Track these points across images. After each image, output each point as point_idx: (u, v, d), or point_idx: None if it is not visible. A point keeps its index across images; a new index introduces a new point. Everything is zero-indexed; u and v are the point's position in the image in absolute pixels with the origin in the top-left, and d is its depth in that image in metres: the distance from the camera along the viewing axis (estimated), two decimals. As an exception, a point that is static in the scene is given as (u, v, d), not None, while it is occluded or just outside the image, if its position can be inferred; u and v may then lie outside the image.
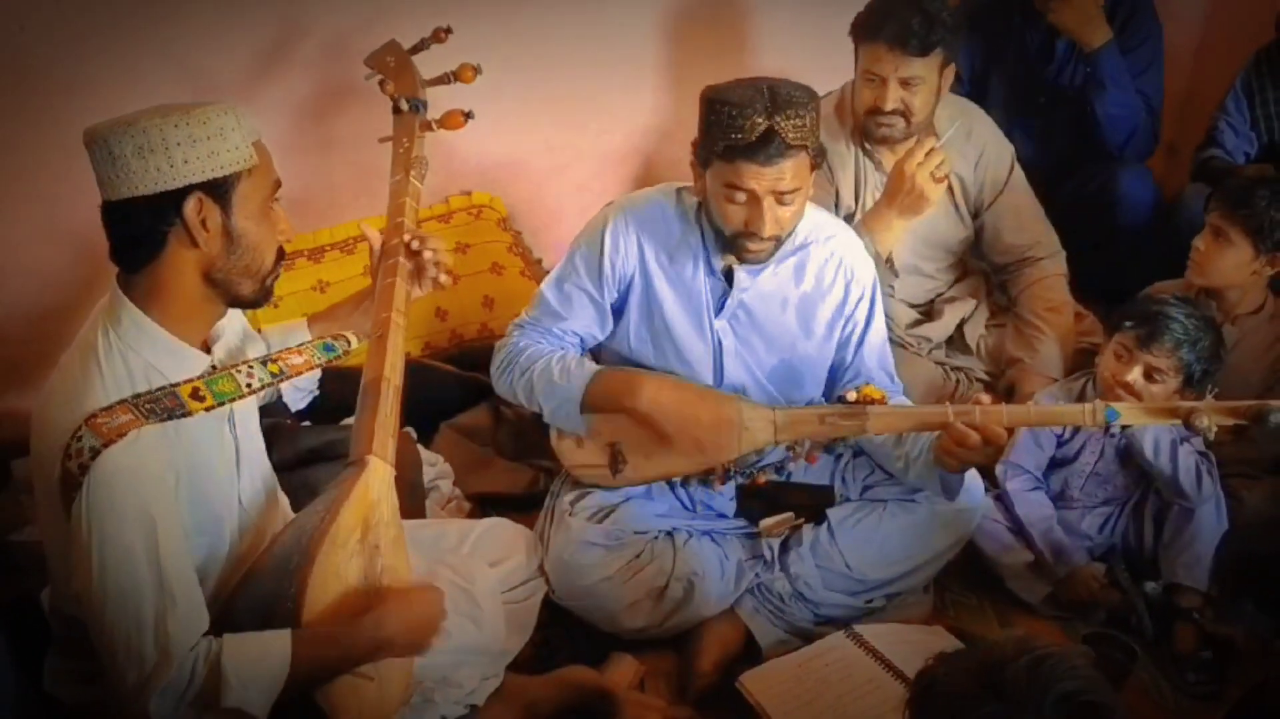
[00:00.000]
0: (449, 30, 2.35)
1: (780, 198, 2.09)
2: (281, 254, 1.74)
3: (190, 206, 1.59)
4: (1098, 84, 3.15)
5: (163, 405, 1.61)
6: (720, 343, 2.31)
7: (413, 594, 1.80)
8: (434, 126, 2.26)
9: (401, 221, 2.04)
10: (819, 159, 2.15)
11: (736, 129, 2.02)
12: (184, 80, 2.66)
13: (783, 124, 2.02)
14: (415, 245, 2.01)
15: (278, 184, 1.72)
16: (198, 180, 1.58)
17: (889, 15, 2.58)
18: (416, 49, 2.35)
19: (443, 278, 2.05)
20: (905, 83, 2.62)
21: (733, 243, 2.18)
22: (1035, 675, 1.29)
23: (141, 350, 1.63)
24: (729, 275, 2.28)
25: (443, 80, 2.31)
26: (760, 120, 2.01)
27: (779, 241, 2.18)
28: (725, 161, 2.07)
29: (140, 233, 1.61)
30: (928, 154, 2.51)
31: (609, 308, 2.32)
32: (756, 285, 2.29)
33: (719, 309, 2.29)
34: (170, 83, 2.63)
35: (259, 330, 2.00)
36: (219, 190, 1.61)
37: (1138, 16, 3.25)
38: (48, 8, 2.48)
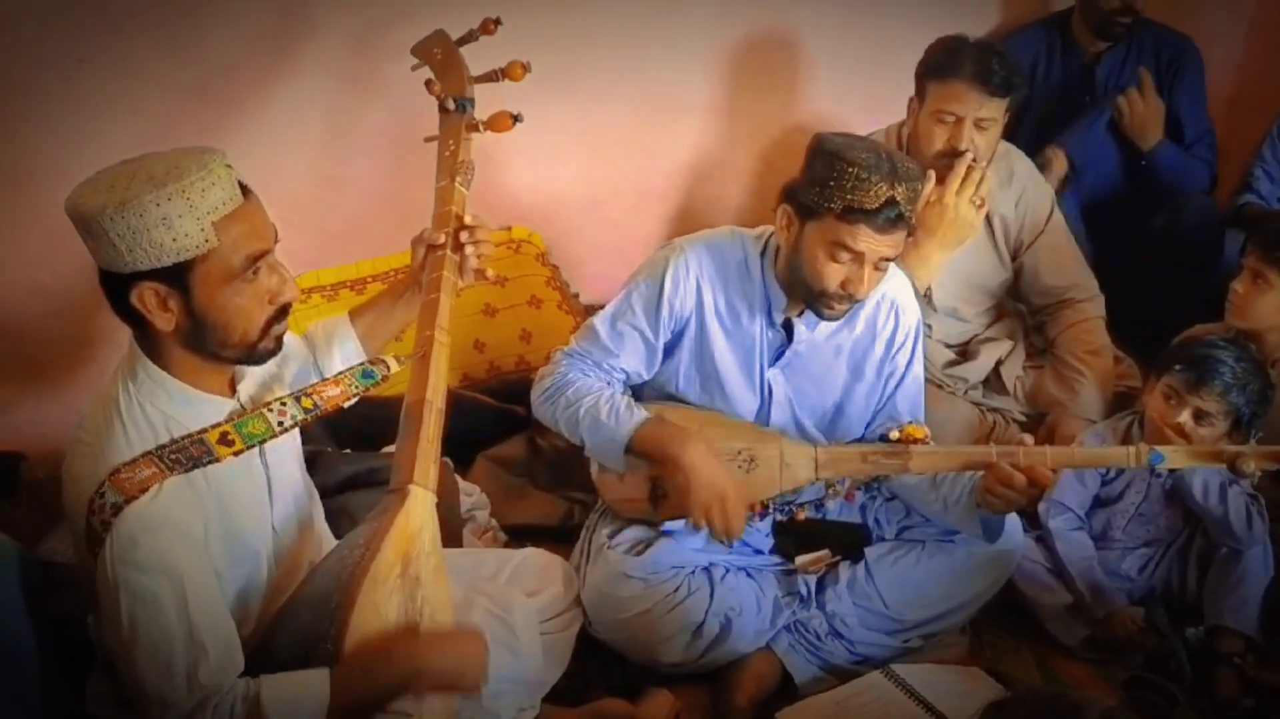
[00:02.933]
0: (498, 22, 2.24)
1: (879, 264, 2.10)
2: (280, 313, 1.67)
3: (137, 296, 1.56)
4: (1155, 171, 3.25)
5: (189, 455, 1.60)
6: (770, 391, 2.31)
7: (453, 633, 1.79)
8: (481, 128, 2.17)
9: (446, 231, 2.02)
10: (912, 231, 2.17)
11: (861, 191, 2.02)
12: (213, 103, 2.69)
13: (902, 194, 2.03)
14: (464, 237, 2.00)
15: (258, 254, 1.61)
16: (143, 269, 1.53)
17: (966, 55, 2.60)
18: (464, 40, 2.28)
19: (489, 273, 2.04)
20: (979, 123, 2.63)
21: (816, 298, 2.16)
22: None
23: (159, 403, 1.63)
24: (788, 327, 2.28)
25: (490, 77, 2.22)
26: (884, 188, 2.02)
27: (857, 302, 2.19)
28: (843, 222, 2.06)
29: (114, 302, 1.60)
30: (965, 179, 2.52)
31: (660, 348, 2.31)
32: (811, 336, 2.29)
33: (774, 360, 2.30)
34: (201, 106, 2.67)
35: (305, 333, 2.00)
36: (171, 275, 1.55)
37: (1183, 56, 3.34)
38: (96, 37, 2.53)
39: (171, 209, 1.51)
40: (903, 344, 2.35)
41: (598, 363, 2.33)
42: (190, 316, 1.59)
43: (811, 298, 2.17)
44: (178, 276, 1.55)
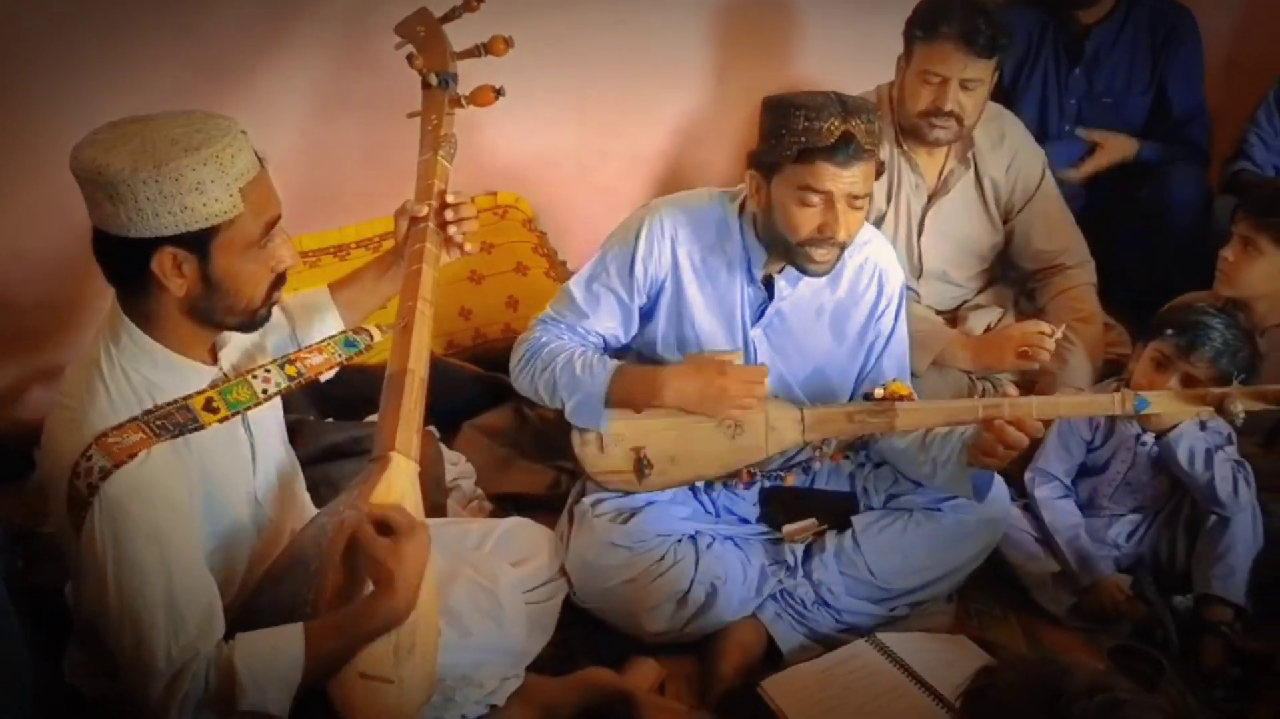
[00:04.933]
0: None
1: (852, 202, 2.10)
2: (280, 281, 1.69)
3: (158, 261, 1.55)
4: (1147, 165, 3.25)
5: (174, 421, 1.60)
6: (755, 352, 2.30)
7: (405, 555, 1.61)
8: (464, 103, 2.18)
9: (428, 204, 2.01)
10: (881, 169, 2.17)
11: (813, 132, 2.04)
12: (201, 71, 2.67)
13: (857, 127, 2.04)
14: (449, 215, 2.00)
15: (274, 221, 1.63)
16: (169, 234, 1.53)
17: (953, 15, 2.59)
18: (447, 18, 2.27)
19: (468, 247, 2.04)
20: (965, 84, 2.63)
21: (799, 252, 2.16)
22: None
23: (141, 368, 1.62)
24: (768, 285, 2.27)
25: (473, 53, 2.22)
26: (837, 123, 2.03)
27: (843, 249, 2.17)
28: (802, 164, 2.07)
29: (119, 267, 1.59)
30: (1034, 343, 2.51)
31: (636, 311, 2.31)
32: (794, 294, 2.28)
33: (756, 318, 2.29)
34: (189, 73, 2.65)
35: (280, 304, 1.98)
36: (194, 241, 1.55)
37: (1179, 31, 3.29)
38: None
39: (206, 174, 1.51)
40: (885, 309, 2.35)
41: (571, 327, 2.32)
42: (204, 282, 1.59)
43: (793, 253, 2.17)
44: (200, 242, 1.55)
